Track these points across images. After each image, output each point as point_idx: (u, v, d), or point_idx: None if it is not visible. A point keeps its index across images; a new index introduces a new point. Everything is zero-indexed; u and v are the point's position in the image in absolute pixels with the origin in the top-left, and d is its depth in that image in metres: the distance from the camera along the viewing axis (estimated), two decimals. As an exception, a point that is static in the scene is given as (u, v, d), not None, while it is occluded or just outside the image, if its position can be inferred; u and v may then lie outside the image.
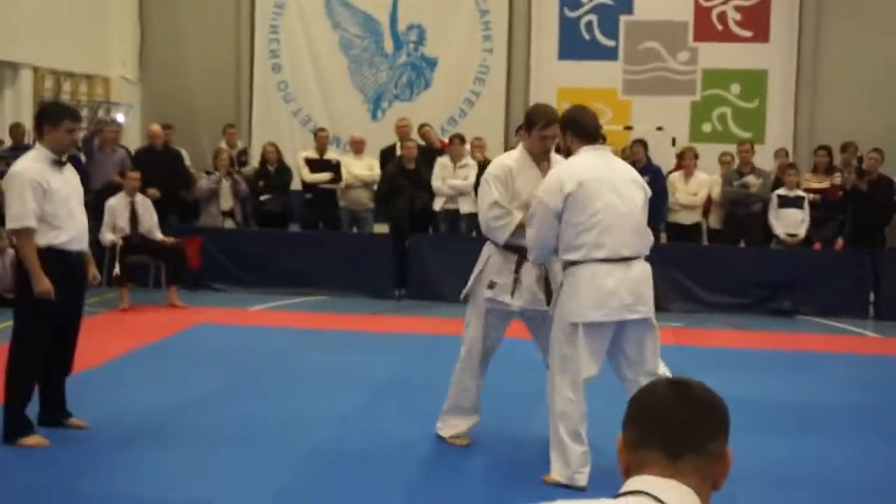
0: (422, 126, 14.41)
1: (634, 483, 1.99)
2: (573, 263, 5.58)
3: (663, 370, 5.62)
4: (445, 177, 13.11)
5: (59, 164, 6.32)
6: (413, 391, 7.87)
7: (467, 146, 13.47)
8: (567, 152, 5.96)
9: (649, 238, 5.77)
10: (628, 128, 17.32)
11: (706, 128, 18.25)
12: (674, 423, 2.00)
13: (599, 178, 5.57)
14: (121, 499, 5.38)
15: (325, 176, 13.61)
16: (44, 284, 6.08)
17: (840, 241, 13.29)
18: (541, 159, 6.20)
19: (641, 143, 13.65)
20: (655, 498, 1.93)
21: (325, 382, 8.10)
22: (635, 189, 5.71)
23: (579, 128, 5.77)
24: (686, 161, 13.46)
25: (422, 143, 13.95)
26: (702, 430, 2.01)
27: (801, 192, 13.08)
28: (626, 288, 5.54)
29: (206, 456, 6.09)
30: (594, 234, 5.50)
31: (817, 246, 13.29)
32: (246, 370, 8.52)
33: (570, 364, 5.54)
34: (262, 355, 9.12)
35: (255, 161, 14.56)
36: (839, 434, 6.96)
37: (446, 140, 13.94)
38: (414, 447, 6.32)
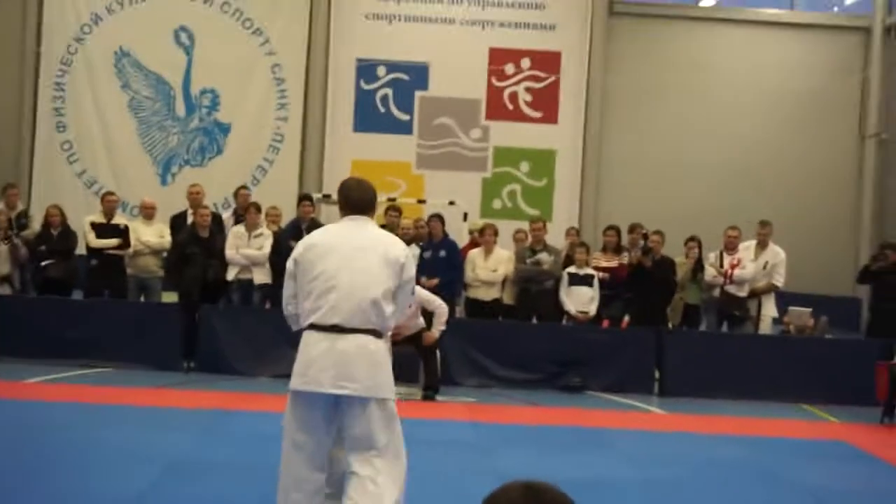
0: (240, 189, 14.04)
1: None
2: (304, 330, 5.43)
3: (382, 460, 5.25)
4: (239, 246, 12.80)
5: None
6: (205, 470, 7.51)
7: (262, 216, 13.20)
8: None
9: (382, 315, 5.34)
10: (421, 201, 17.46)
11: (496, 204, 18.63)
12: None
13: (331, 244, 5.38)
14: None
15: (113, 242, 13.05)
16: None
17: (626, 319, 13.68)
18: None
19: (439, 218, 13.72)
20: None
21: (108, 463, 7.60)
22: (378, 262, 5.37)
23: (341, 198, 5.64)
24: (486, 237, 13.55)
25: (214, 210, 13.60)
26: None
27: (590, 271, 13.42)
28: (331, 359, 5.22)
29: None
30: (311, 299, 5.30)
31: (605, 323, 13.62)
32: (17, 449, 7.91)
33: (284, 431, 5.35)
34: (36, 432, 8.51)
35: (35, 224, 13.81)
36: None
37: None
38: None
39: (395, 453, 5.28)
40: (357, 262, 5.33)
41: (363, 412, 5.22)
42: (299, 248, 5.44)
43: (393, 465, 5.24)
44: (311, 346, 5.25)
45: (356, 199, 5.60)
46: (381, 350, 5.35)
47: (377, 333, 5.32)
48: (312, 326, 5.27)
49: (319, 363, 5.20)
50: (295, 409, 5.28)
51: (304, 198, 13.81)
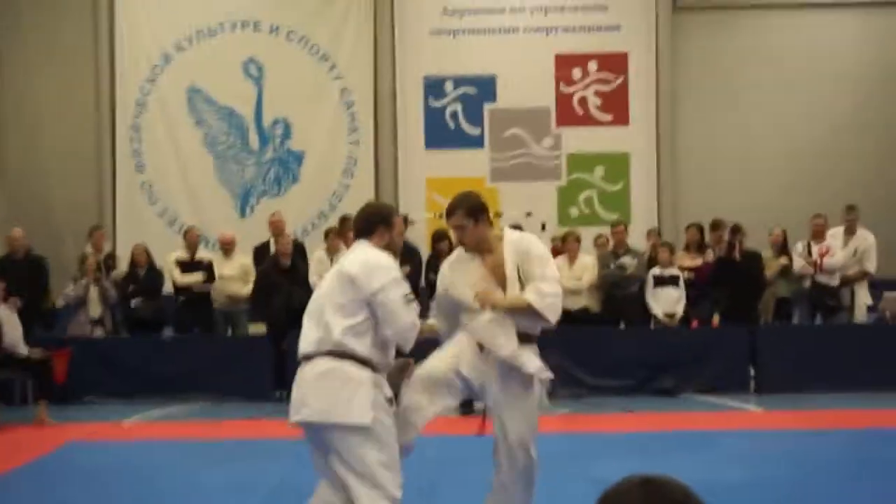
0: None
1: None
2: None
3: (355, 492, 4.97)
4: (322, 272, 12.83)
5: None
6: (305, 495, 7.49)
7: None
8: None
9: (334, 332, 5.03)
10: (498, 214, 17.39)
11: (573, 212, 18.46)
12: None
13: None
14: None
15: (198, 277, 13.20)
16: None
17: (716, 318, 13.47)
18: (475, 250, 5.84)
19: (518, 229, 13.60)
20: None
21: (214, 496, 7.67)
22: (331, 280, 5.20)
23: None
24: (569, 244, 13.38)
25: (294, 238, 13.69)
26: None
27: (675, 271, 13.24)
28: (297, 389, 5.11)
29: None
30: None
31: (695, 324, 13.43)
32: (127, 492, 8.02)
33: None
34: (143, 473, 8.61)
35: (122, 265, 14.04)
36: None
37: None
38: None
39: (373, 483, 4.95)
40: (321, 288, 5.24)
41: (329, 438, 4.98)
42: None
43: (370, 497, 4.94)
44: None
45: (355, 224, 5.52)
46: (340, 371, 5.00)
47: (341, 355, 5.02)
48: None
49: (293, 395, 5.12)
50: (308, 441, 5.20)
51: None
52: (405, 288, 5.18)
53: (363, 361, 5.04)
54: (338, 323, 5.03)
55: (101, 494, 7.81)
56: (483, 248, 5.79)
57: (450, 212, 5.80)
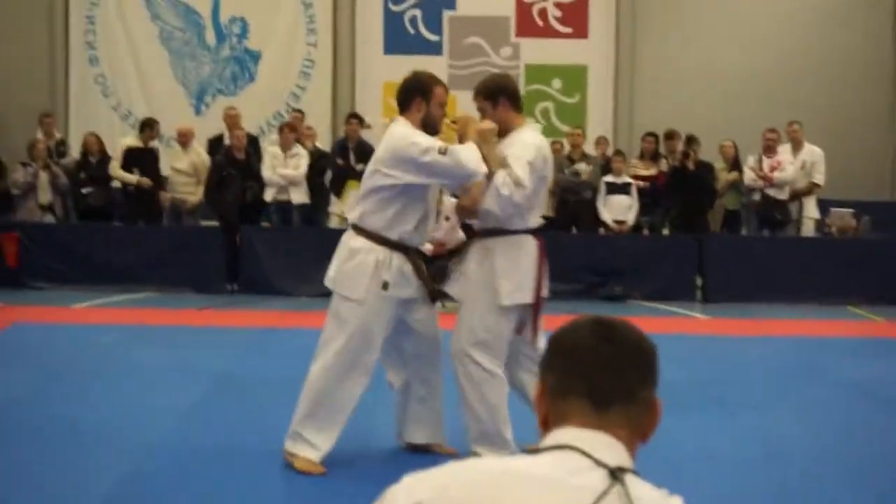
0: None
1: (558, 436, 1.78)
2: None
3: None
4: (276, 166, 12.81)
5: None
6: (253, 384, 7.58)
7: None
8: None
9: (355, 209, 5.51)
10: (455, 122, 17.33)
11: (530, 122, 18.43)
12: (601, 370, 1.80)
13: None
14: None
15: (132, 178, 13.05)
16: None
17: (666, 228, 13.60)
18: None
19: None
20: (584, 453, 1.72)
21: (160, 379, 7.68)
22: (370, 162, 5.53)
23: None
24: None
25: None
26: (631, 376, 1.82)
27: (628, 179, 13.32)
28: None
29: (29, 457, 5.57)
30: None
31: (645, 232, 13.54)
32: (71, 368, 8.03)
33: None
34: (88, 353, 8.64)
35: (74, 153, 13.89)
36: (685, 410, 6.99)
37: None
38: (256, 441, 5.93)
39: (324, 345, 5.41)
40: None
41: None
42: None
43: (318, 358, 5.40)
44: None
45: (396, 97, 5.57)
46: (348, 245, 5.42)
47: (355, 228, 5.42)
48: None
49: None
50: None
51: (351, 116, 13.81)
52: (436, 147, 5.18)
53: (376, 238, 5.34)
54: (362, 201, 5.41)
55: (44, 373, 7.79)
56: (504, 135, 5.50)
57: (473, 96, 5.64)
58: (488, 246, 5.46)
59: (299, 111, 14.63)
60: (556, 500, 1.66)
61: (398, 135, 5.31)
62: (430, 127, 5.39)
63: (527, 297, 5.44)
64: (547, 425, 1.83)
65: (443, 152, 5.12)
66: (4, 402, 6.80)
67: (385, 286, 5.33)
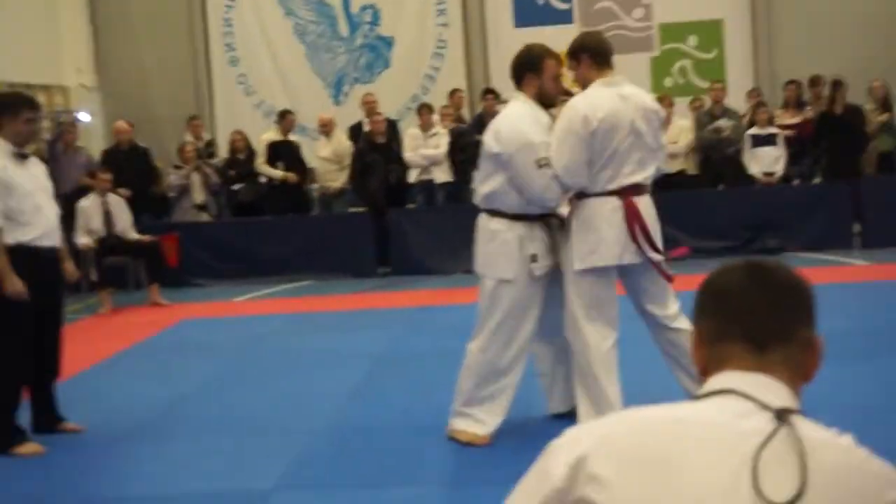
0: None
1: (718, 381, 1.75)
2: None
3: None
4: (417, 147, 12.95)
5: (21, 157, 5.97)
6: (412, 360, 7.71)
7: (436, 115, 13.32)
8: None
9: (479, 192, 5.62)
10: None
11: (668, 82, 18.13)
12: (756, 310, 1.77)
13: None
14: (122, 500, 5.16)
15: (277, 173, 13.38)
16: (15, 285, 5.73)
17: (818, 176, 13.24)
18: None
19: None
20: (746, 396, 1.70)
21: (322, 363, 7.90)
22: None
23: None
24: (663, 108, 13.24)
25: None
26: (788, 315, 1.78)
27: (774, 130, 13.00)
28: None
29: (207, 446, 5.82)
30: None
31: (796, 182, 13.21)
32: (238, 359, 8.33)
33: None
34: (253, 343, 8.94)
35: (222, 153, 14.34)
36: (849, 358, 6.81)
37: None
38: (421, 417, 6.05)
39: (480, 325, 5.45)
40: None
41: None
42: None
43: (476, 338, 5.45)
44: None
45: (510, 74, 5.59)
46: (487, 228, 5.48)
47: (489, 212, 5.48)
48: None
49: None
50: None
51: (487, 91, 13.87)
52: (536, 153, 5.22)
53: (511, 216, 5.38)
54: (484, 185, 5.47)
55: (213, 366, 8.10)
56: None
57: None
58: (570, 213, 5.40)
59: (426, 105, 14.60)
60: (725, 445, 1.64)
61: (514, 128, 5.33)
62: (545, 100, 5.39)
63: (606, 260, 5.25)
64: (707, 373, 1.81)
65: (544, 165, 5.24)
66: (180, 396, 7.10)
67: (534, 258, 5.36)
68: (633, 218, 5.24)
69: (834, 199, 12.59)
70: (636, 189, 5.30)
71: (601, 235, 5.24)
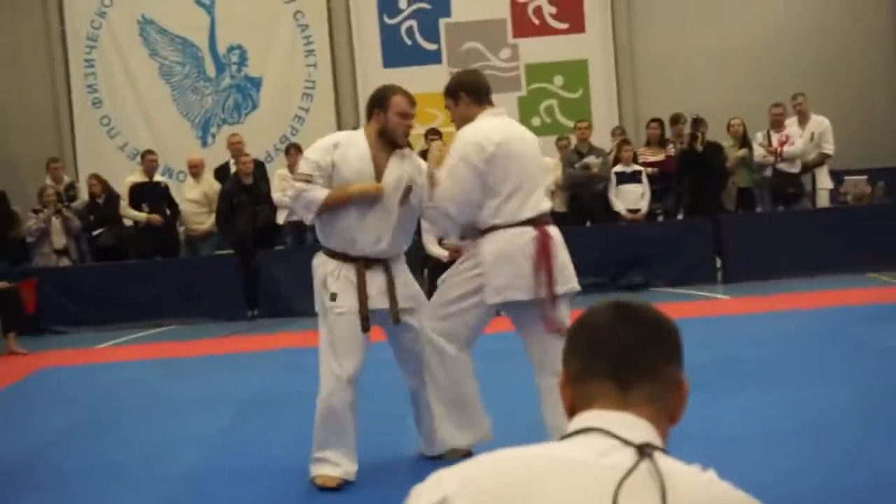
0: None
1: (583, 420, 1.75)
2: None
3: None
4: (285, 188, 12.82)
5: None
6: (281, 406, 7.57)
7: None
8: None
9: None
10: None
11: (535, 121, 18.39)
12: (622, 348, 1.77)
13: None
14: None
15: (141, 216, 13.13)
16: None
17: (681, 212, 13.55)
18: None
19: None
20: (608, 433, 1.69)
21: (187, 408, 7.70)
22: None
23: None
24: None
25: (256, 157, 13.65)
26: (653, 352, 1.78)
27: (638, 167, 13.28)
28: None
29: (67, 495, 5.61)
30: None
31: (660, 219, 13.50)
32: (101, 407, 8.03)
33: None
34: (115, 390, 8.66)
35: (84, 195, 13.98)
36: (717, 390, 6.89)
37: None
38: (288, 461, 5.92)
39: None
40: None
41: None
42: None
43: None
44: None
45: None
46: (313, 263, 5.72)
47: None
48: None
49: None
50: None
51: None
52: (301, 166, 5.65)
53: (327, 252, 5.54)
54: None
55: (72, 415, 7.78)
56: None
57: None
58: (475, 247, 5.33)
59: (294, 145, 14.49)
60: (588, 482, 1.63)
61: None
62: (388, 136, 5.41)
63: (524, 294, 5.17)
64: (574, 412, 1.80)
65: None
66: (39, 447, 6.80)
67: (333, 297, 5.32)
68: (545, 251, 5.19)
69: (696, 234, 12.91)
70: (546, 218, 5.31)
71: (519, 268, 5.15)
